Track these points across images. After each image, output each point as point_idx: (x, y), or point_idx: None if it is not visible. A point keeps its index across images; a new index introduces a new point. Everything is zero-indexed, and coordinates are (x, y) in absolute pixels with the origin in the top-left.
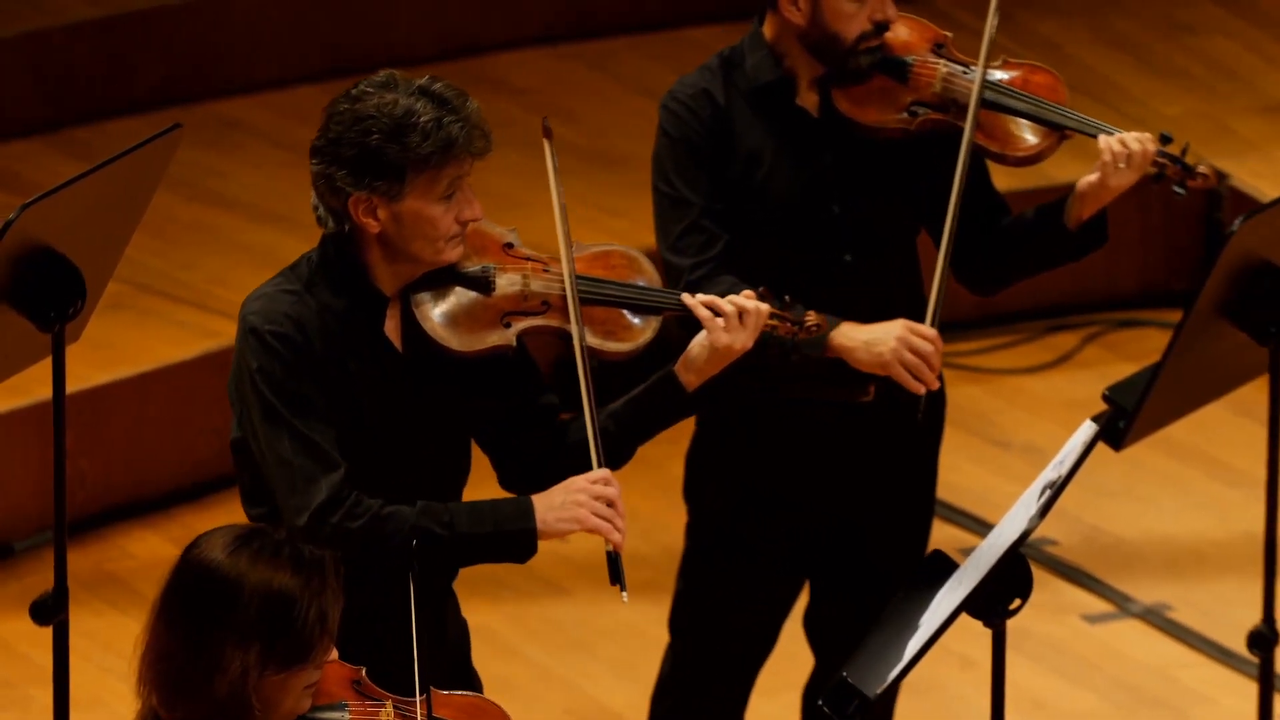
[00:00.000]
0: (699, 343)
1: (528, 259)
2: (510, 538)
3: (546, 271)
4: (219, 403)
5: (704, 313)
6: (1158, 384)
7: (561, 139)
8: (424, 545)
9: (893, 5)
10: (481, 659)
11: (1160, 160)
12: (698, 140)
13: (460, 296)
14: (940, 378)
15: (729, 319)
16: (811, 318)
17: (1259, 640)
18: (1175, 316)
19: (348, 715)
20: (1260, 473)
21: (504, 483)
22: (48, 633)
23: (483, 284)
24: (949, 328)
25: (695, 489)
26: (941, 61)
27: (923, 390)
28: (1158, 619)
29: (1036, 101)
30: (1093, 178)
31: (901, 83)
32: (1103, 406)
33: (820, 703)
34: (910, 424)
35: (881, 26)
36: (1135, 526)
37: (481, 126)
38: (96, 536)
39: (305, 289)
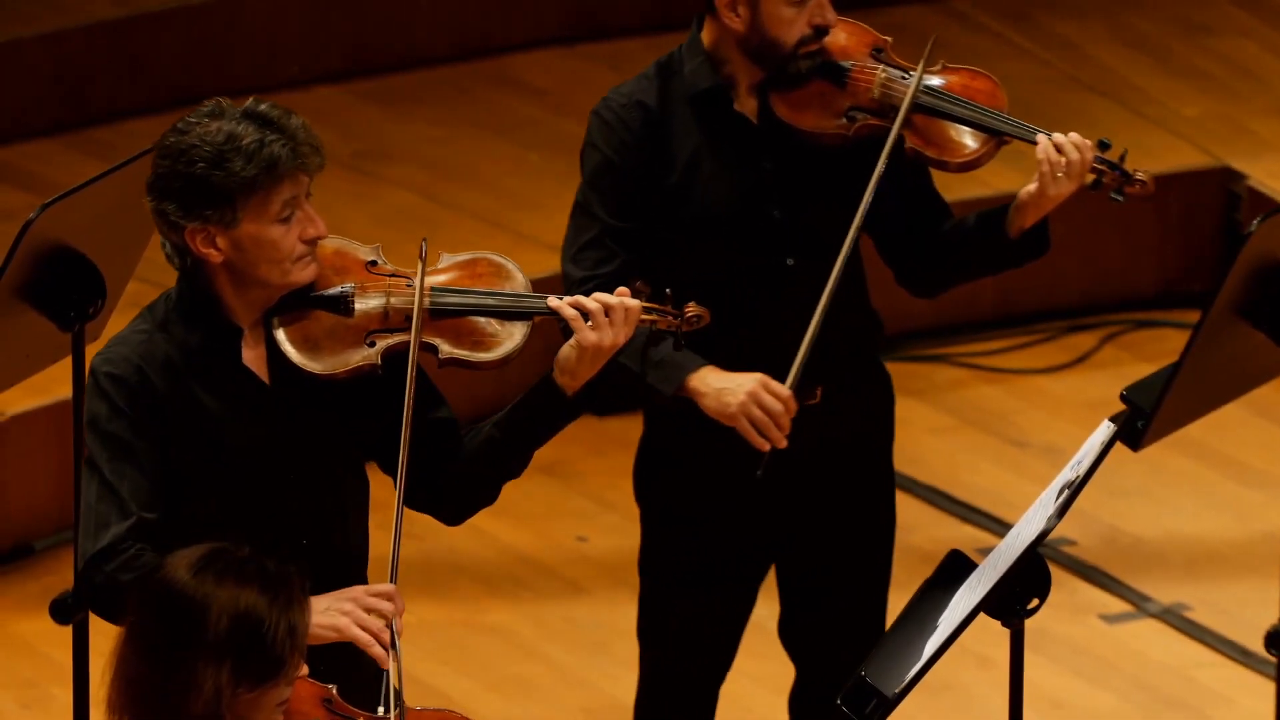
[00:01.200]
0: (569, 344)
1: (390, 275)
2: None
3: (409, 286)
4: None
5: (570, 312)
6: (1176, 384)
7: (578, 138)
8: None
9: (832, 10)
10: (501, 659)
11: (1098, 167)
12: (623, 156)
13: (321, 320)
14: (888, 381)
15: (595, 316)
16: (692, 309)
17: (1277, 640)
18: (1193, 317)
19: None
20: (1278, 473)
21: (407, 501)
22: (68, 632)
23: (342, 304)
24: (966, 328)
25: (645, 489)
26: (880, 66)
27: (766, 447)
28: (1176, 619)
29: (975, 107)
30: (1032, 187)
31: (840, 88)
32: (1121, 407)
33: (839, 701)
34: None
35: (821, 31)
36: (1154, 527)
37: (310, 142)
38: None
39: (159, 327)
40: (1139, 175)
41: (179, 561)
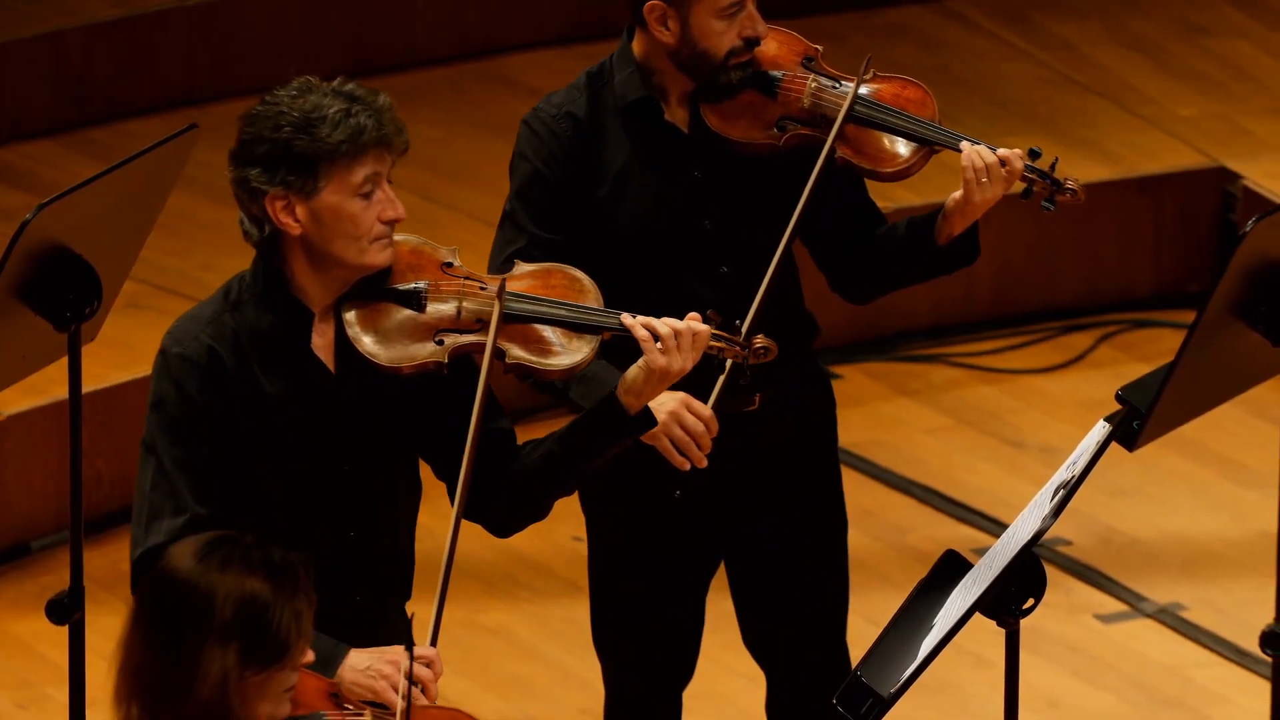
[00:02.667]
0: (637, 365)
1: (465, 277)
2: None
3: (483, 289)
4: None
5: (642, 334)
6: (1171, 384)
7: None
8: None
9: (762, 22)
10: (501, 659)
11: (1029, 175)
12: (552, 168)
13: (392, 313)
14: (827, 383)
15: (665, 340)
16: (760, 341)
17: (1273, 640)
18: (1189, 317)
19: None
20: (1275, 473)
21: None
22: (64, 632)
23: (415, 300)
24: (962, 328)
25: (589, 500)
26: (811, 76)
27: (686, 466)
28: (1172, 619)
29: (905, 116)
30: (958, 194)
31: (771, 98)
32: (1117, 406)
33: (834, 701)
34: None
35: (751, 43)
36: (1149, 526)
37: (394, 121)
38: (113, 536)
39: (231, 308)
40: (1069, 184)
41: (183, 549)
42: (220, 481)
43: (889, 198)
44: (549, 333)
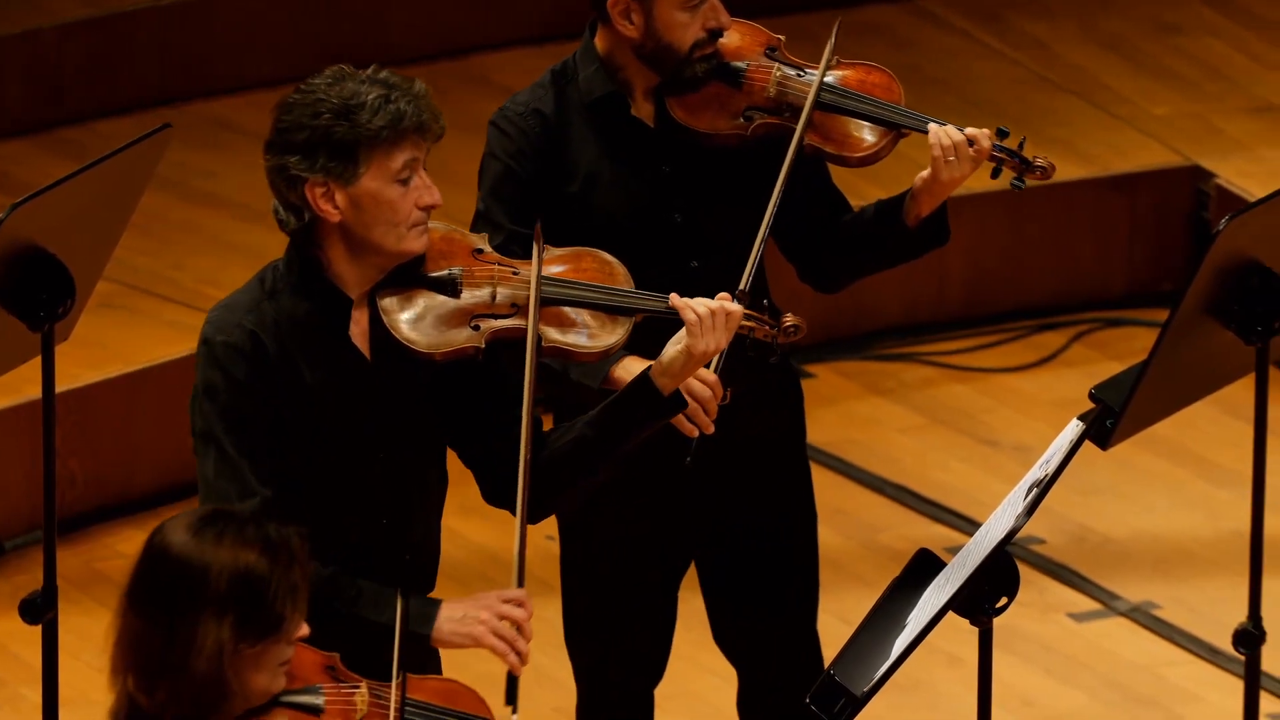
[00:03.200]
0: (674, 346)
1: (496, 263)
2: (404, 635)
3: (515, 275)
4: None
5: (690, 316)
6: (1144, 383)
7: None
8: (318, 616)
9: (725, 12)
10: (472, 658)
11: (998, 155)
12: (523, 164)
13: (428, 299)
14: (795, 373)
15: (703, 321)
16: (789, 319)
17: (1245, 638)
18: (1162, 315)
19: (322, 699)
20: (1247, 471)
21: (486, 496)
22: (37, 631)
23: (450, 287)
24: (936, 327)
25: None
26: (775, 65)
27: (695, 433)
28: (1145, 617)
29: (872, 101)
30: (926, 173)
31: (736, 88)
32: (1090, 405)
33: (808, 700)
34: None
35: (715, 34)
36: (1122, 525)
37: (431, 108)
38: (86, 535)
39: (268, 296)
40: (1039, 161)
41: (178, 523)
42: (276, 465)
43: (863, 195)
44: (584, 316)
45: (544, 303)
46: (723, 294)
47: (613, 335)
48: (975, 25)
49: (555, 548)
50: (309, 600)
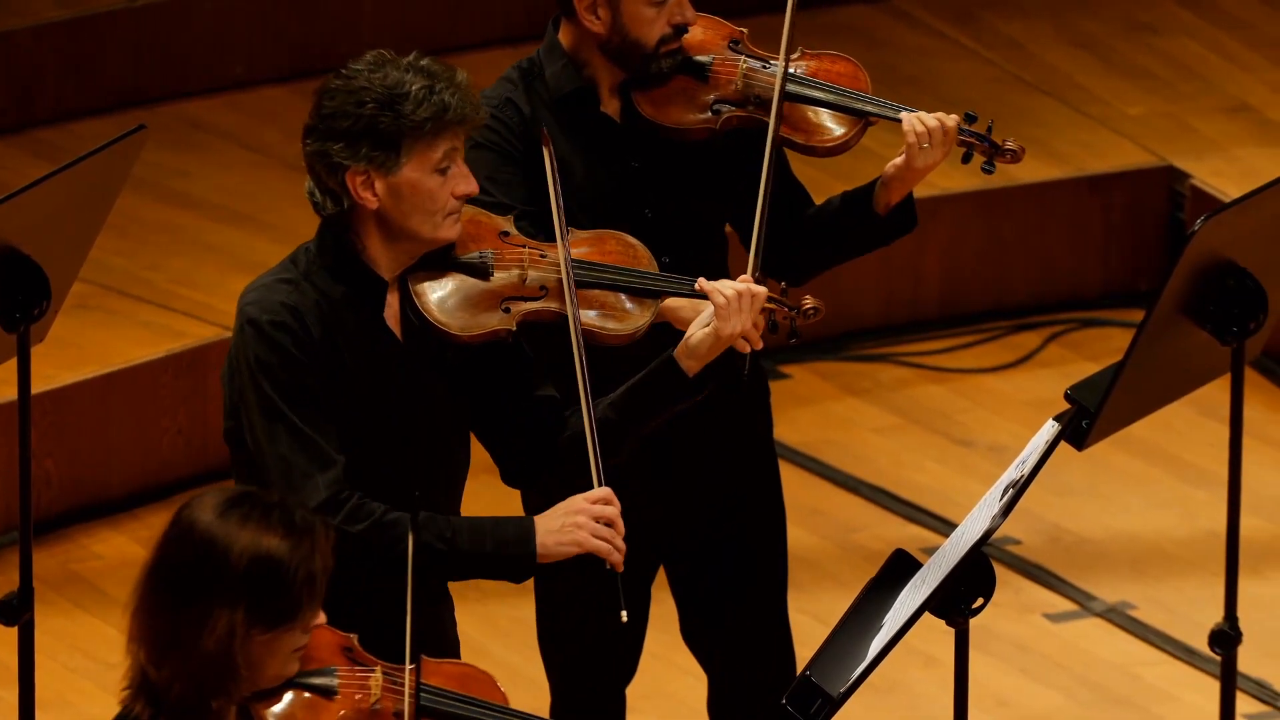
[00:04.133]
0: (701, 328)
1: (524, 245)
2: (509, 560)
3: (543, 258)
4: (184, 403)
5: (720, 299)
6: (1120, 383)
7: None
8: (421, 552)
9: (691, 8)
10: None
11: (967, 140)
12: (511, 145)
13: (459, 282)
14: (762, 374)
15: (731, 303)
16: (809, 301)
17: (1221, 638)
18: (1138, 316)
19: (336, 680)
20: (1222, 472)
21: (505, 477)
22: (13, 633)
23: (481, 270)
24: (911, 328)
25: (533, 503)
26: (741, 58)
27: (747, 349)
28: (1121, 618)
29: (839, 91)
30: (899, 161)
31: (703, 82)
32: (1066, 405)
33: (784, 701)
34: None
35: (681, 30)
36: (1098, 525)
37: (472, 98)
38: (62, 536)
39: (303, 277)
40: (1009, 145)
41: (206, 501)
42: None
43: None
44: (611, 299)
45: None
46: (744, 275)
47: (640, 318)
48: (949, 25)
49: None
50: (404, 550)
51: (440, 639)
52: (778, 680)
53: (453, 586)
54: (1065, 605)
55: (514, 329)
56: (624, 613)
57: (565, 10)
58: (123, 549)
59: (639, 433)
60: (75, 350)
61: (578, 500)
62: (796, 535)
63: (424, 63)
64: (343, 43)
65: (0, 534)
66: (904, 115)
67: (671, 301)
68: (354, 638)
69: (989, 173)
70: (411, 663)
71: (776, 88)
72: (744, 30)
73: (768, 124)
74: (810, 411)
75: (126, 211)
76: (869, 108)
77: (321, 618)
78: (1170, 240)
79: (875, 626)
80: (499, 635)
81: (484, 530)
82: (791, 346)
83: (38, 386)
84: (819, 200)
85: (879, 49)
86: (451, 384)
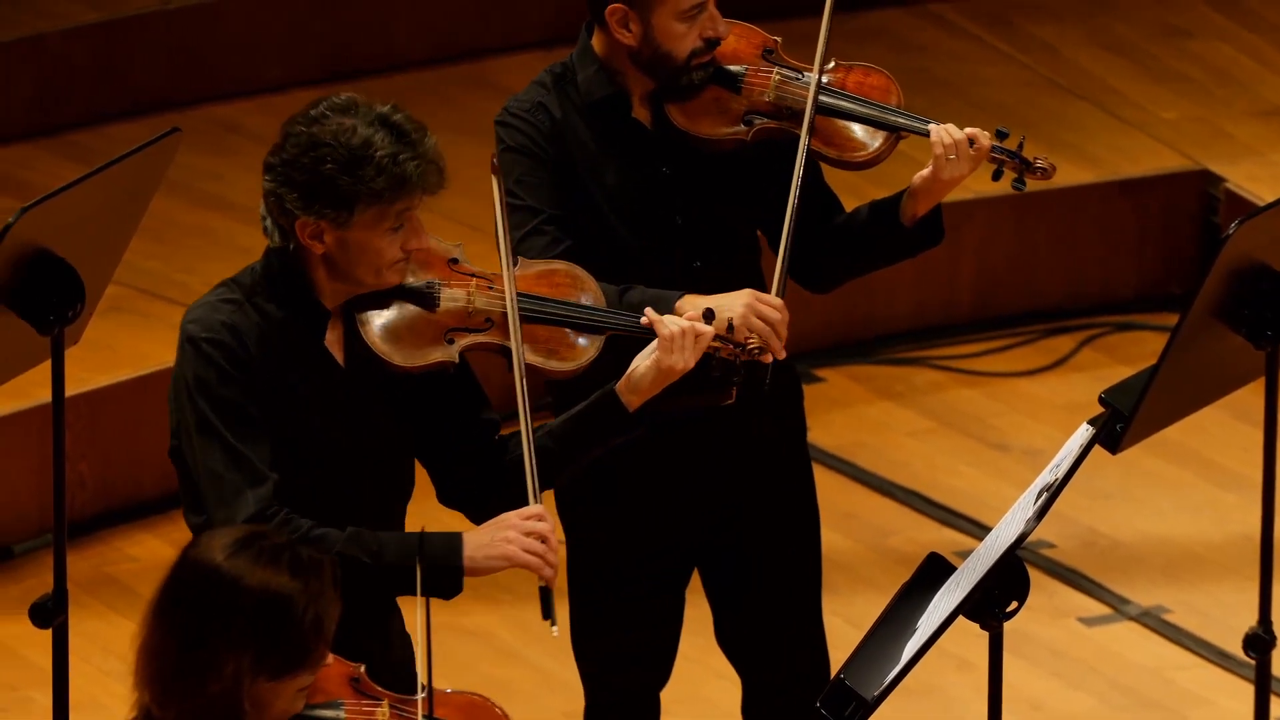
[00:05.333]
0: (645, 363)
1: (472, 275)
2: (436, 573)
3: (491, 289)
4: None
5: (665, 330)
6: (1154, 387)
7: None
8: (347, 572)
9: (722, 21)
10: (482, 663)
11: (998, 155)
12: (537, 148)
13: (404, 311)
14: (796, 377)
15: (675, 339)
16: (754, 341)
17: (1255, 642)
18: (1172, 320)
19: (343, 714)
20: (1257, 476)
21: (442, 498)
22: (47, 635)
23: (427, 300)
24: (945, 331)
25: (566, 503)
26: (775, 69)
27: (769, 359)
28: (1155, 621)
29: (870, 104)
30: (926, 172)
31: (735, 93)
32: (1100, 409)
33: (818, 704)
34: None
35: (712, 43)
36: (1132, 529)
37: (437, 163)
38: (96, 539)
39: (246, 298)
40: (1039, 162)
41: (214, 541)
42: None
43: (863, 195)
44: (557, 333)
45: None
46: (691, 313)
47: (585, 354)
48: (983, 29)
49: (564, 552)
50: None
51: (386, 651)
52: (812, 684)
53: (488, 591)
54: (1099, 609)
55: (456, 361)
56: (554, 627)
57: (597, 20)
58: (156, 551)
59: (580, 462)
60: (109, 353)
61: (509, 516)
62: (830, 539)
63: (397, 118)
64: (375, 45)
65: (34, 537)
66: (931, 127)
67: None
68: (361, 668)
69: (1020, 190)
70: (422, 693)
71: (809, 101)
72: (777, 39)
73: (799, 136)
74: (844, 415)
75: (160, 214)
76: (899, 121)
77: (330, 658)
78: (1204, 244)
79: (909, 630)
80: (532, 639)
81: (411, 544)
82: (825, 350)
83: (71, 389)
84: (850, 206)
85: (912, 53)
86: (394, 409)
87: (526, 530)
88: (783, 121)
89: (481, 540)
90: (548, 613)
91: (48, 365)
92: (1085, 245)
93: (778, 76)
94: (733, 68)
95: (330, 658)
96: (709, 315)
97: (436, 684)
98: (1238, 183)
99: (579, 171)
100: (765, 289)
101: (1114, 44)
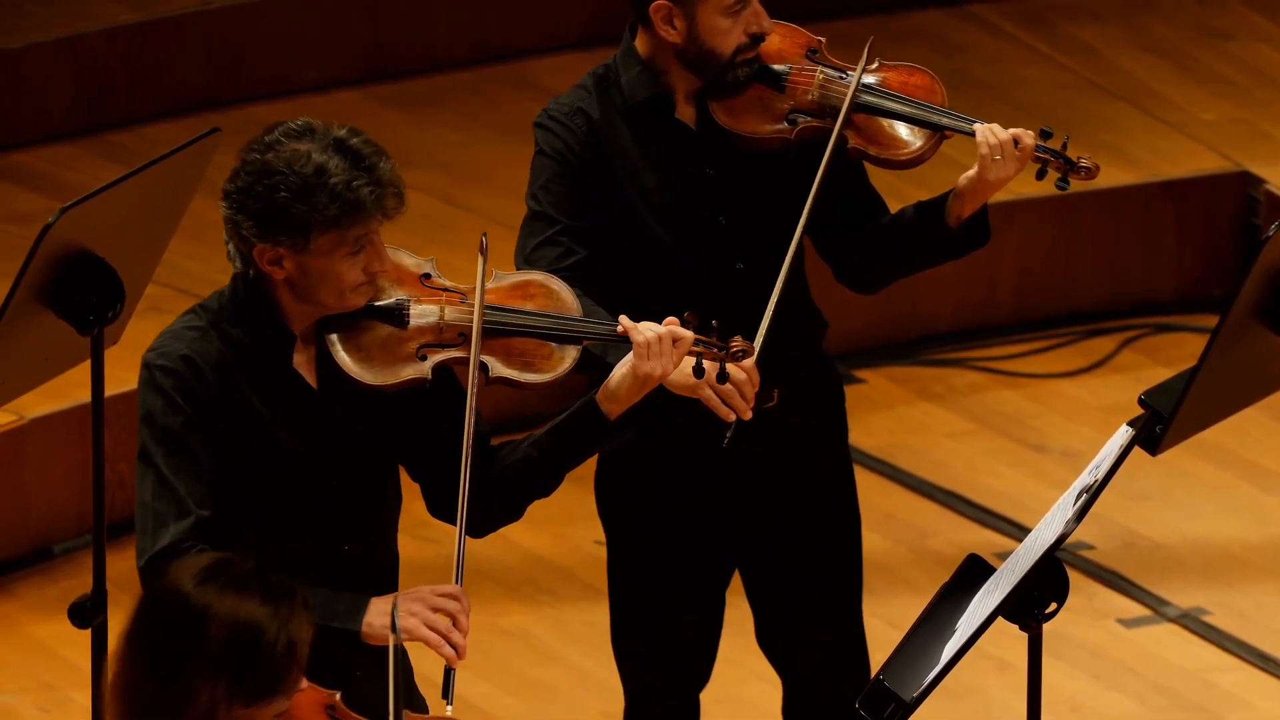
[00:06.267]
0: (621, 370)
1: (444, 290)
2: (333, 633)
3: (464, 303)
4: None
5: (639, 337)
6: (1194, 388)
7: None
8: None
9: (767, 17)
10: (522, 663)
11: (1042, 155)
12: (570, 157)
13: (375, 330)
14: (838, 380)
15: (651, 346)
16: (737, 343)
17: None
18: (1212, 321)
19: None
20: None
21: (432, 510)
22: (87, 635)
23: (397, 317)
24: (985, 333)
25: (606, 502)
26: (818, 68)
27: (731, 417)
28: (1194, 623)
29: (914, 103)
30: (971, 173)
31: (779, 91)
32: (1139, 411)
33: (856, 705)
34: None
35: (757, 39)
36: (1172, 531)
37: (394, 185)
38: (135, 540)
39: (211, 325)
40: (1083, 162)
41: (183, 570)
42: (218, 488)
43: (903, 196)
44: (530, 345)
45: (489, 333)
46: (670, 318)
47: (560, 364)
48: (1023, 30)
49: (604, 552)
50: None
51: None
52: (852, 685)
53: (528, 592)
54: (1139, 611)
55: (429, 377)
56: (449, 708)
57: (641, 19)
58: None
59: (563, 472)
60: None
61: (424, 589)
62: (870, 540)
63: (354, 142)
64: (415, 46)
65: (74, 537)
66: (977, 127)
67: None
68: (337, 695)
69: (1063, 189)
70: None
71: (848, 96)
72: (822, 39)
73: (844, 136)
74: (884, 416)
75: (200, 215)
76: (944, 120)
77: (303, 683)
78: (1244, 245)
79: (948, 631)
80: (571, 639)
81: (319, 600)
82: (865, 351)
83: (111, 389)
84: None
85: (952, 54)
86: (370, 427)
87: (434, 605)
88: (826, 120)
89: (385, 608)
90: (446, 693)
91: (87, 365)
92: (1125, 247)
93: (821, 76)
94: (777, 67)
95: (305, 684)
96: (685, 320)
97: (476, 686)
98: (1278, 184)
99: (616, 175)
100: (808, 290)
101: (1154, 45)
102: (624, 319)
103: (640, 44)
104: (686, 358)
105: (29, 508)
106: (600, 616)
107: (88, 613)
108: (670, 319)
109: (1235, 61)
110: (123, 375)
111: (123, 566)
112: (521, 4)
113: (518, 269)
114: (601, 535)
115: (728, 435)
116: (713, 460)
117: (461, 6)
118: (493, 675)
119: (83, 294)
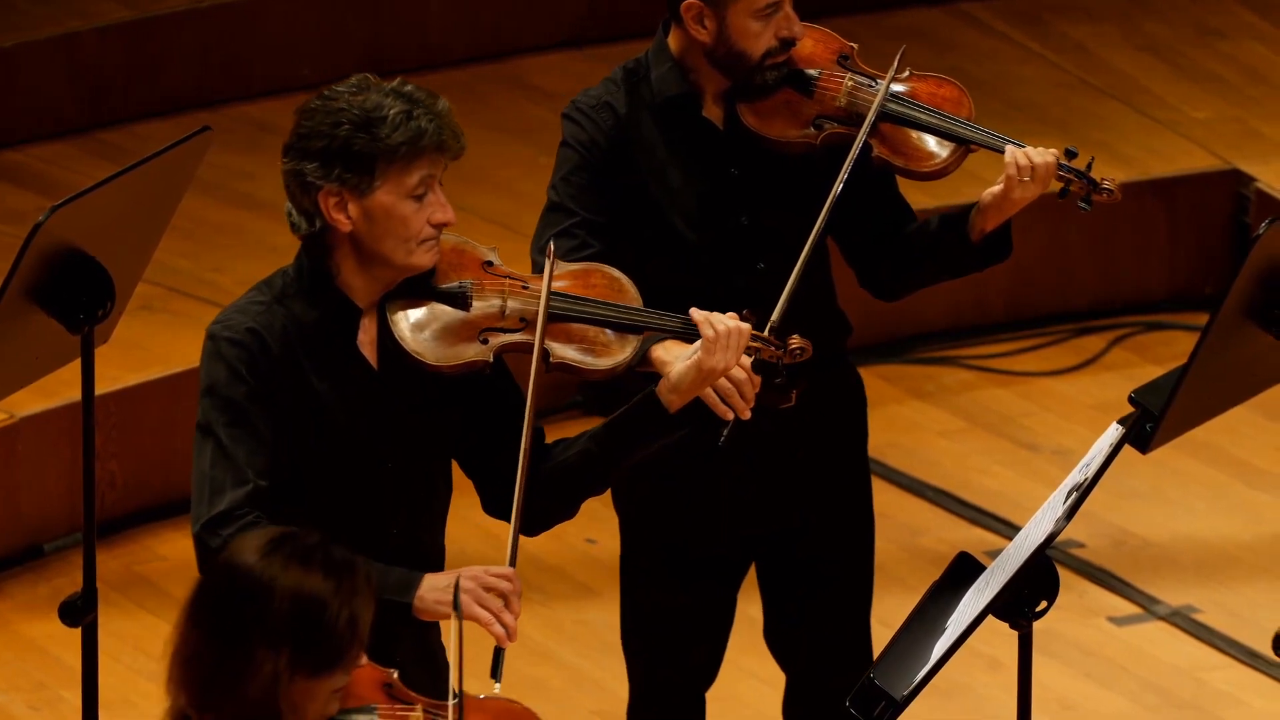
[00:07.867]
0: (685, 363)
1: (507, 277)
2: (385, 605)
3: (525, 289)
4: None
5: (709, 330)
6: (1185, 387)
7: None
8: None
9: (798, 22)
10: (513, 661)
11: (1065, 175)
12: (594, 152)
13: (437, 311)
14: (859, 383)
15: (719, 339)
16: (795, 341)
17: None
18: (1203, 320)
19: (376, 718)
20: None
21: (486, 507)
22: (77, 634)
23: (460, 300)
24: (976, 331)
25: (622, 496)
26: (847, 75)
27: (730, 416)
28: (1185, 621)
29: (941, 115)
30: (996, 189)
31: (807, 96)
32: (1130, 409)
33: (848, 704)
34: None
35: (788, 43)
36: (1162, 529)
37: (452, 126)
38: (126, 538)
39: (276, 300)
40: (1106, 184)
41: (247, 543)
42: (277, 460)
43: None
44: (592, 333)
45: (552, 319)
46: (730, 313)
47: (621, 353)
48: (1016, 29)
49: (596, 550)
50: None
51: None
52: (853, 685)
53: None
54: (1129, 609)
55: (491, 361)
56: (497, 685)
57: (674, 16)
58: (187, 551)
59: (623, 466)
60: (140, 352)
61: (476, 568)
62: None
63: (408, 89)
64: (409, 44)
65: (64, 535)
66: (1008, 148)
67: (659, 354)
68: (394, 673)
69: (1085, 210)
70: (455, 698)
71: (874, 105)
72: (854, 46)
73: (869, 143)
74: (875, 414)
75: (191, 213)
76: (972, 135)
77: (363, 658)
78: (1235, 244)
79: (939, 629)
80: (564, 639)
81: (373, 572)
82: (856, 350)
83: (102, 388)
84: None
85: (946, 52)
86: (433, 411)
87: (486, 585)
88: (852, 127)
89: (438, 584)
90: (493, 671)
91: (78, 364)
92: (1116, 245)
93: (850, 82)
94: (807, 71)
95: (364, 661)
96: (744, 316)
97: (469, 686)
98: (1269, 183)
99: (640, 170)
100: (833, 293)
101: (1146, 44)
102: (695, 310)
103: (672, 41)
104: (744, 355)
105: (19, 506)
106: (592, 615)
107: (78, 611)
108: (730, 313)
109: (1228, 60)
110: (113, 374)
111: (113, 565)
112: (515, 3)
113: (532, 260)
114: (593, 534)
115: (724, 434)
116: (731, 457)
117: (456, 6)
118: (484, 674)
119: (73, 292)
